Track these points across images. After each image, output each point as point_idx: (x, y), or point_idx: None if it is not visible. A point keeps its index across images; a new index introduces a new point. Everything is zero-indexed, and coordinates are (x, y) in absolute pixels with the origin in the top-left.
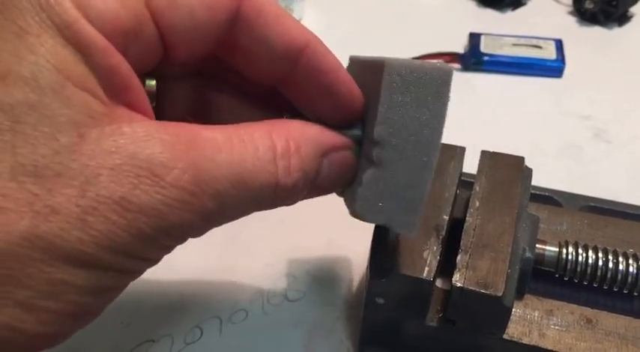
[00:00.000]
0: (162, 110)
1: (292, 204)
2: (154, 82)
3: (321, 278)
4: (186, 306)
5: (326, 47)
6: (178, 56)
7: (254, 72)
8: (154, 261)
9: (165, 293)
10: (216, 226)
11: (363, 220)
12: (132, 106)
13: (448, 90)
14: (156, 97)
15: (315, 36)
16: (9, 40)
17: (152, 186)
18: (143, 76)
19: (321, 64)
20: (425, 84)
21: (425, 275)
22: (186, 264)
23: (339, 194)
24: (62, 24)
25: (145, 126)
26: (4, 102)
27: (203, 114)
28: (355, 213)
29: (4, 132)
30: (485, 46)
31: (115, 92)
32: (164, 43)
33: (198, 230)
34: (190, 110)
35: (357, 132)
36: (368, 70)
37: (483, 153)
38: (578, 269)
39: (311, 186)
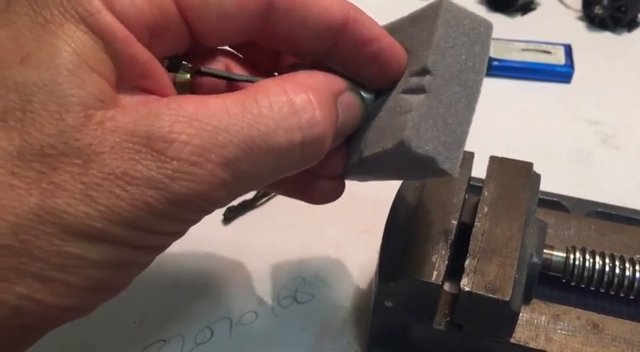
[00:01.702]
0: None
1: (320, 159)
2: (188, 76)
3: (329, 281)
4: (198, 307)
5: (366, 15)
6: (209, 45)
7: (296, 52)
8: (176, 234)
9: (176, 294)
10: (242, 194)
11: (406, 152)
12: (152, 94)
13: (489, 43)
14: (190, 88)
15: (354, 5)
16: (33, 29)
17: (153, 160)
18: (177, 64)
19: (363, 35)
20: (474, 29)
21: (433, 279)
22: (198, 265)
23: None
24: (85, 13)
25: (150, 105)
26: (18, 81)
27: None
28: (402, 142)
29: (15, 111)
30: (494, 51)
31: (133, 79)
32: (193, 35)
33: (216, 200)
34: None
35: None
36: (415, 22)
37: (492, 158)
38: (585, 274)
39: (337, 135)
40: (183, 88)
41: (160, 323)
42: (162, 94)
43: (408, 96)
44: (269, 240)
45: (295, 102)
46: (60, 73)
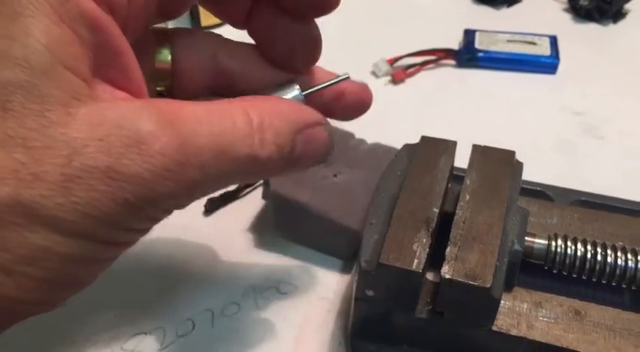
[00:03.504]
0: (180, 85)
1: (271, 176)
2: (169, 58)
3: (312, 272)
4: (179, 299)
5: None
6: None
7: None
8: (141, 231)
9: (157, 286)
10: (199, 197)
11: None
12: (120, 83)
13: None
14: (171, 74)
15: None
16: (3, 23)
17: (140, 155)
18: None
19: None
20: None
21: (414, 267)
22: (179, 257)
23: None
24: (56, 2)
25: (132, 102)
26: None
27: (219, 87)
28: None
29: None
30: (479, 43)
31: (104, 69)
32: None
33: (182, 201)
34: (207, 84)
35: None
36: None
37: (474, 147)
38: (567, 261)
39: (287, 160)
40: (166, 76)
41: (140, 315)
42: (127, 87)
43: None
44: (251, 232)
45: (253, 123)
46: (35, 75)
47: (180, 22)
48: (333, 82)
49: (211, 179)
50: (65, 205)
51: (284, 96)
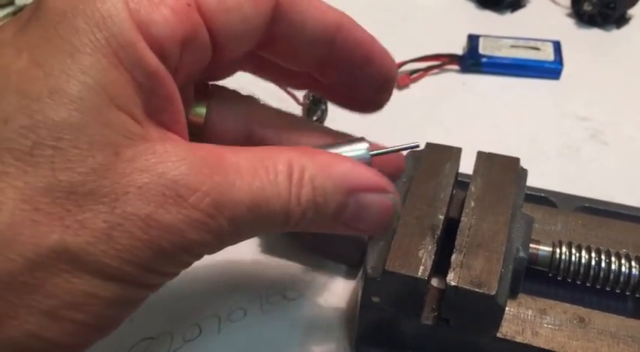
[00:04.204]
0: (209, 141)
1: (307, 230)
2: (204, 113)
3: (318, 278)
4: (186, 304)
5: (357, 23)
6: (226, 54)
7: (294, 59)
8: (173, 275)
9: (165, 292)
10: (230, 245)
11: None
12: (169, 126)
13: None
14: (203, 129)
15: (345, 13)
16: (60, 57)
17: (175, 205)
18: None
19: (356, 38)
20: None
21: (420, 274)
22: None
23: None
24: (118, 45)
25: (177, 147)
26: (49, 118)
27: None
28: None
29: (45, 147)
30: (483, 48)
31: (156, 112)
32: (214, 44)
33: (213, 248)
34: (237, 144)
35: None
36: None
37: (479, 154)
38: (572, 268)
39: (333, 220)
40: (192, 128)
41: (148, 320)
42: (176, 127)
43: None
44: (258, 238)
45: (293, 176)
46: (88, 113)
47: None
48: (404, 147)
49: (244, 230)
50: (108, 252)
51: (348, 154)
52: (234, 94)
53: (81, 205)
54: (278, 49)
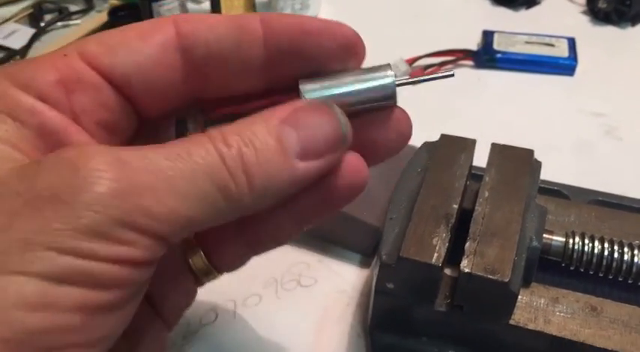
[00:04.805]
0: None
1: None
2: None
3: (333, 266)
4: (202, 290)
5: (275, 16)
6: (153, 94)
7: (237, 79)
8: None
9: None
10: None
11: None
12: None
13: None
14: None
15: (249, 14)
16: None
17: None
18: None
19: (279, 26)
20: None
21: (434, 260)
22: None
23: None
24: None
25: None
26: None
27: None
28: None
29: None
30: (498, 44)
31: (46, 145)
32: (118, 84)
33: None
34: None
35: None
36: None
37: (493, 145)
38: (585, 258)
39: (283, 160)
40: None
41: None
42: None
43: None
44: None
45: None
46: None
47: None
48: (437, 76)
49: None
50: None
51: (371, 84)
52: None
53: None
54: (212, 86)
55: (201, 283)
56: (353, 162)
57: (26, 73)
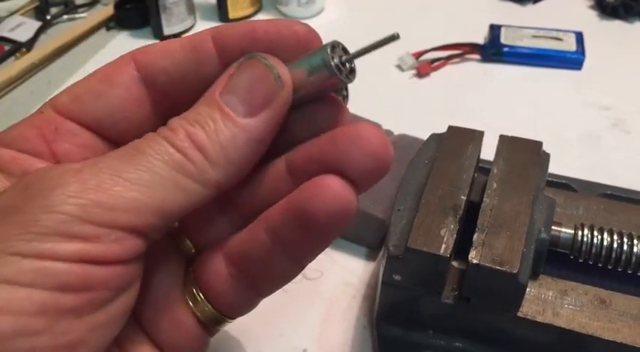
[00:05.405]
0: None
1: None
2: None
3: (339, 259)
4: None
5: (219, 27)
6: (126, 138)
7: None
8: None
9: None
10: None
11: None
12: None
13: None
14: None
15: (200, 33)
16: None
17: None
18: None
19: (229, 37)
20: None
21: (442, 251)
22: None
23: None
24: None
25: None
26: None
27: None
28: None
29: None
30: (505, 38)
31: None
32: (96, 127)
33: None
34: None
35: None
36: None
37: (502, 137)
38: (593, 251)
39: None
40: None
41: None
42: None
43: None
44: None
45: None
46: None
47: (207, 13)
48: (381, 40)
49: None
50: None
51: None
52: None
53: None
54: (183, 100)
55: (211, 332)
56: (333, 186)
57: (8, 134)
